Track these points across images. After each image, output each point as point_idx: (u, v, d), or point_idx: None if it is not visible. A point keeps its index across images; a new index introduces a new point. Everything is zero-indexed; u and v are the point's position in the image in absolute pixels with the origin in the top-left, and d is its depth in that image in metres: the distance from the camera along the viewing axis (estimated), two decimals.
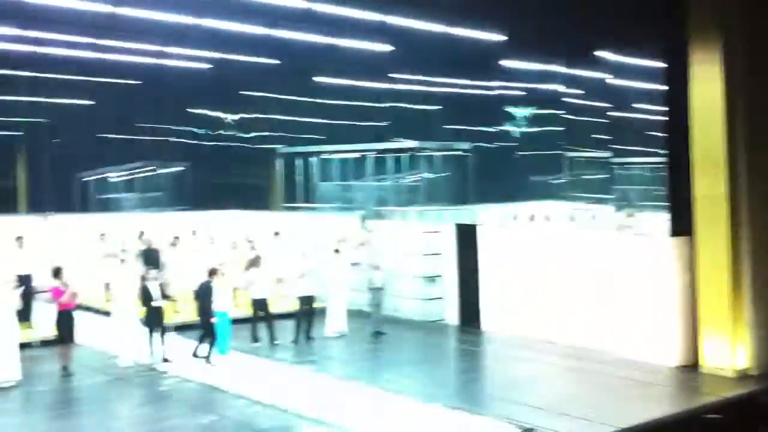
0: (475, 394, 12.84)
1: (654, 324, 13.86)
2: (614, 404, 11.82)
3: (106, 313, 15.77)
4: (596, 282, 14.89)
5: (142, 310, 14.40)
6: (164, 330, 14.39)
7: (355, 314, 16.95)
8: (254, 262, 16.06)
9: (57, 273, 13.86)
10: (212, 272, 14.59)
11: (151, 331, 14.20)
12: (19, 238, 16.90)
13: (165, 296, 14.90)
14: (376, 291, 16.34)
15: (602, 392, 12.55)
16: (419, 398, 12.00)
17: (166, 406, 12.03)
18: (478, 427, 10.76)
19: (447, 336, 16.59)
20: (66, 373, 13.40)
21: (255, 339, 15.63)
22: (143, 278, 14.82)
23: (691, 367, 13.45)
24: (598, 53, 19.49)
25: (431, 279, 17.27)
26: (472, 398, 12.32)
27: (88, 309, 17.48)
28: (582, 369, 13.99)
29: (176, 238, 19.19)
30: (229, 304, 14.82)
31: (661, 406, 11.46)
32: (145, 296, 14.17)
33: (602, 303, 14.73)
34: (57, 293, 13.66)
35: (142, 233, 19.42)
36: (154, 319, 14.22)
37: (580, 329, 15.20)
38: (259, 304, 15.68)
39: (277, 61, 21.84)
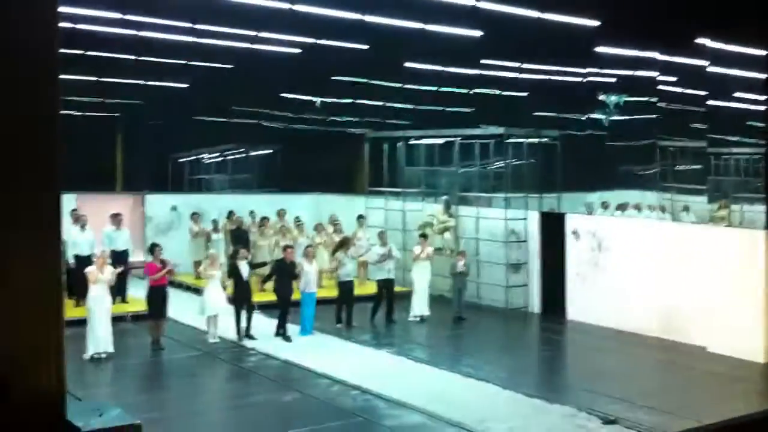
0: (557, 384, 12.71)
1: (745, 319, 13.41)
2: (700, 399, 11.51)
3: (197, 290, 16.26)
4: (687, 274, 14.50)
5: (230, 288, 14.76)
6: (251, 308, 14.71)
7: (437, 299, 16.97)
8: (342, 245, 16.14)
9: (152, 250, 14.28)
10: (305, 253, 14.94)
11: (238, 309, 14.53)
12: (115, 215, 17.42)
13: (254, 273, 15.28)
14: (459, 276, 16.31)
15: (688, 386, 12.24)
16: (498, 385, 11.95)
17: (249, 383, 12.33)
18: (559, 416, 10.64)
19: (530, 324, 16.46)
20: (156, 347, 13.82)
21: (339, 320, 15.67)
22: (232, 257, 15.19)
23: None
24: (697, 39, 18.88)
25: (515, 266, 17.13)
26: (553, 387, 12.20)
27: (180, 285, 18.06)
28: (669, 362, 13.69)
29: (265, 218, 19.59)
30: (315, 285, 15.03)
31: (749, 403, 11.10)
32: (234, 274, 14.48)
33: (693, 296, 14.33)
34: (151, 269, 13.98)
35: (231, 213, 19.86)
36: (241, 297, 14.52)
37: (670, 322, 14.83)
38: (345, 287, 15.73)
39: (366, 47, 21.95)
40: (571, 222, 16.92)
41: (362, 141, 21.62)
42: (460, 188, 19.50)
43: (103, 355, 12.95)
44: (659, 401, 11.24)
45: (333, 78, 23.63)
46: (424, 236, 16.88)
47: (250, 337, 14.40)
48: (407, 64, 23.01)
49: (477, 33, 20.11)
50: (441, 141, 20.24)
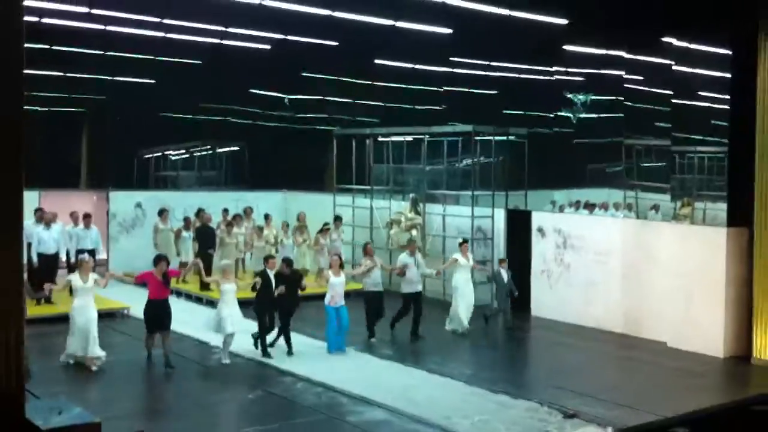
0: (520, 379, 12.84)
1: (707, 315, 13.65)
2: (659, 393, 11.69)
3: None
4: (650, 271, 14.72)
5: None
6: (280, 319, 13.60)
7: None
8: (366, 252, 14.85)
9: (156, 262, 12.82)
10: (331, 264, 13.90)
11: (263, 321, 13.32)
12: (86, 216, 17.13)
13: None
14: (503, 284, 15.58)
15: (648, 381, 12.43)
16: (463, 381, 12.05)
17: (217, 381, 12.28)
18: (521, 411, 10.76)
19: (494, 321, 16.56)
20: (167, 362, 12.54)
21: (372, 334, 14.45)
22: (201, 256, 14.98)
23: (743, 358, 13.23)
24: (664, 39, 19.11)
25: (481, 263, 17.24)
26: (517, 383, 12.31)
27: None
28: (631, 358, 13.89)
29: (237, 216, 19.45)
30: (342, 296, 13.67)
31: (709, 397, 11.29)
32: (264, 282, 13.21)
33: (655, 293, 14.55)
34: (150, 282, 12.67)
35: (200, 210, 19.72)
36: (268, 307, 13.40)
37: (632, 318, 15.05)
38: (375, 297, 14.40)
39: (336, 43, 21.95)
40: (537, 219, 17.10)
41: (330, 138, 21.60)
42: (427, 185, 19.59)
43: (103, 360, 12.39)
44: (619, 395, 11.41)
45: (302, 74, 23.60)
46: (465, 241, 15.66)
47: (267, 354, 13.14)
48: (377, 61, 23.06)
49: (447, 30, 20.21)
50: (409, 138, 20.31)
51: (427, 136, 19.39)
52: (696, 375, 12.64)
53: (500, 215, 17.81)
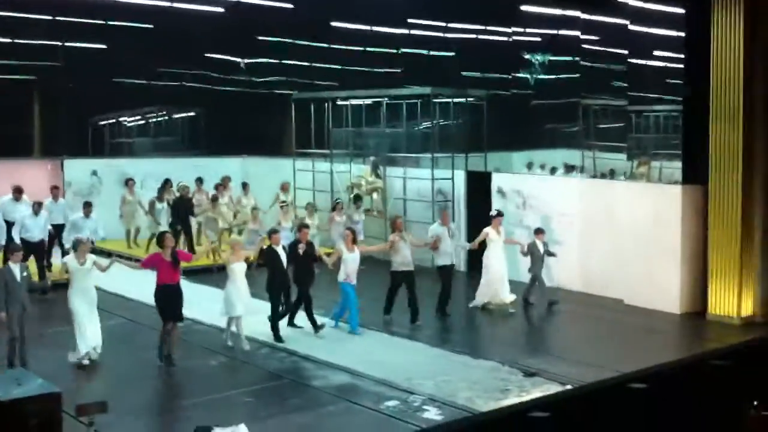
0: (482, 340, 12.98)
1: (663, 272, 13.89)
2: (618, 350, 11.93)
3: (130, 259, 15.20)
4: (608, 230, 14.90)
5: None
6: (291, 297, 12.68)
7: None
8: (395, 226, 13.66)
9: (161, 240, 11.43)
10: (345, 236, 12.95)
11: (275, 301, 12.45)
12: (54, 188, 16.78)
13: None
14: (539, 257, 14.59)
15: (607, 338, 12.66)
16: (425, 343, 12.15)
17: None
18: (483, 371, 10.89)
19: (456, 282, 16.59)
20: (169, 362, 11.19)
21: (387, 311, 13.41)
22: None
23: (699, 314, 13.51)
24: None
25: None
26: (478, 343, 12.46)
27: (110, 255, 16.95)
28: (589, 316, 14.11)
29: (219, 185, 18.79)
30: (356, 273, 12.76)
31: (665, 353, 11.53)
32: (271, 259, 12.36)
33: (613, 251, 14.75)
34: (159, 264, 11.14)
35: (168, 181, 18.94)
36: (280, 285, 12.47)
37: (590, 277, 15.26)
38: (404, 278, 13.23)
39: (291, 5, 21.67)
40: (497, 181, 17.19)
41: (288, 102, 21.38)
42: (387, 149, 19.52)
43: (94, 355, 11.13)
44: (579, 353, 11.61)
45: (258, 38, 23.27)
46: (499, 214, 14.72)
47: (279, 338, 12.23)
48: (333, 24, 22.82)
49: None
50: (368, 102, 20.19)
51: (386, 99, 19.29)
52: (653, 331, 12.89)
53: (460, 177, 17.84)
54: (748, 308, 13.11)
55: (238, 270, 11.90)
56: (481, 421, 9.23)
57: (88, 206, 16.21)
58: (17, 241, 14.86)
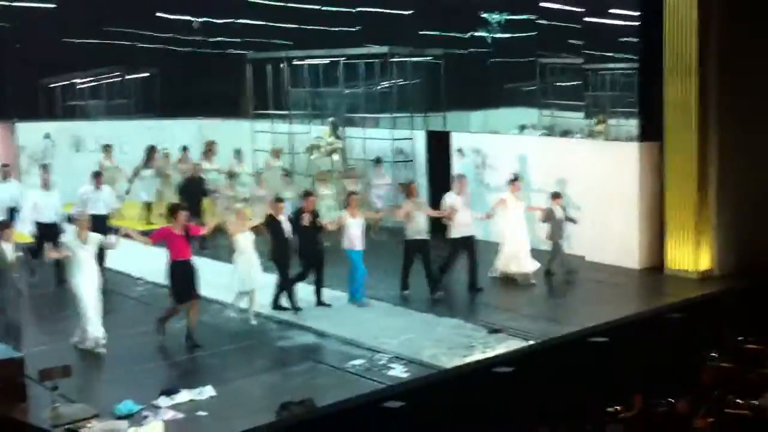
0: (446, 298, 13.02)
1: (622, 228, 14.10)
2: (580, 305, 12.14)
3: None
4: (567, 188, 15.03)
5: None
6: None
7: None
8: (408, 192, 13.04)
9: (173, 211, 10.71)
10: (348, 203, 12.49)
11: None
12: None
13: None
14: (557, 224, 13.70)
15: (570, 294, 12.86)
16: (390, 302, 12.22)
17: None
18: (448, 328, 11.01)
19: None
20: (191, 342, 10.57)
21: (405, 286, 12.78)
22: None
23: (657, 269, 13.77)
24: None
25: (403, 186, 17.26)
26: (442, 302, 12.54)
27: None
28: (551, 273, 14.25)
29: (209, 152, 17.53)
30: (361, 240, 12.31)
31: (626, 306, 11.77)
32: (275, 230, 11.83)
33: (573, 208, 14.89)
34: (171, 239, 10.48)
35: (152, 148, 17.83)
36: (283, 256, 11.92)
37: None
38: (418, 247, 12.62)
39: None
40: (457, 140, 17.21)
41: (244, 62, 21.03)
42: (346, 109, 19.39)
43: (103, 341, 10.26)
44: (541, 309, 11.83)
45: None
46: (516, 179, 13.75)
47: (279, 307, 11.80)
48: None
49: None
50: (326, 61, 19.98)
51: (344, 59, 19.11)
52: (613, 286, 13.12)
53: (420, 137, 17.83)
54: (705, 263, 13.38)
55: (243, 241, 11.32)
56: (446, 377, 9.37)
57: (98, 176, 14.13)
58: (25, 226, 13.44)
